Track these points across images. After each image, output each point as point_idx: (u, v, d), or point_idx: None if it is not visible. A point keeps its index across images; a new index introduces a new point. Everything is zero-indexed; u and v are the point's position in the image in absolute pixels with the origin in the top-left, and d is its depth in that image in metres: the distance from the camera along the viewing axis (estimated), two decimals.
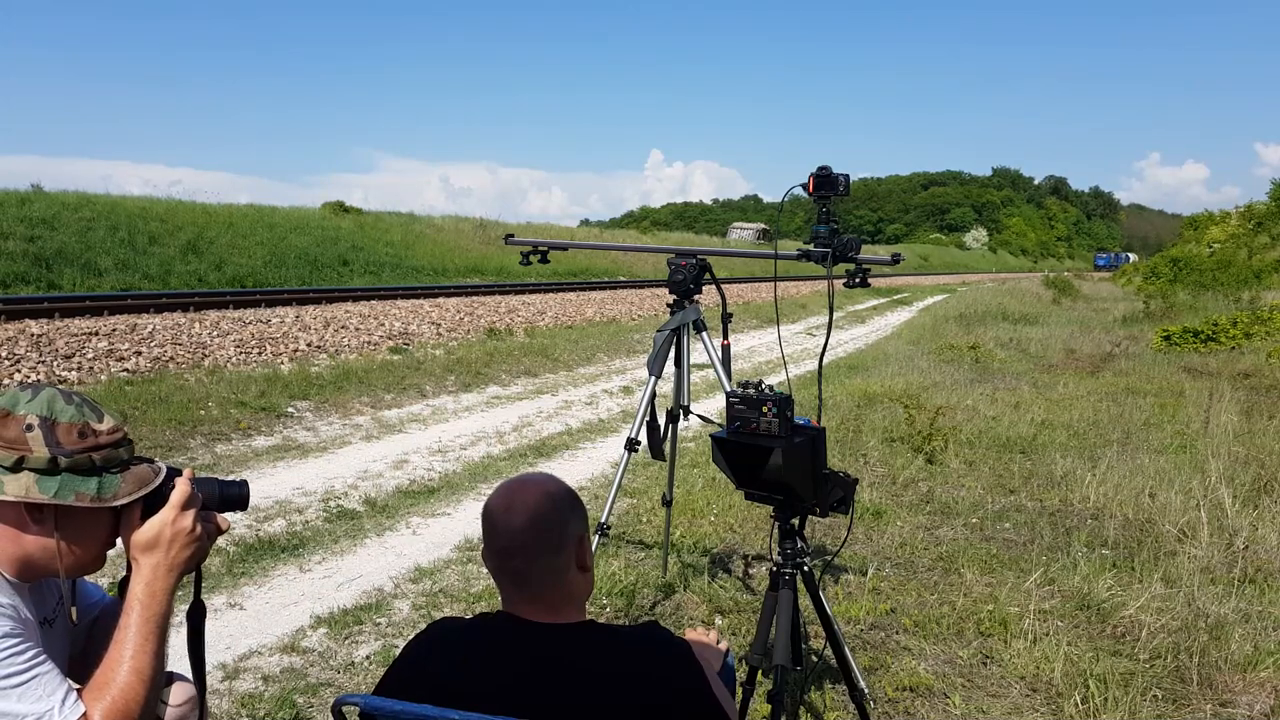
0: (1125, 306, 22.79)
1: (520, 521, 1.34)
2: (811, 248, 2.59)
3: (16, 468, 1.28)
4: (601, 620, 1.79)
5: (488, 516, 1.38)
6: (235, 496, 1.49)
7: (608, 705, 1.25)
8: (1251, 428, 6.71)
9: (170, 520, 1.36)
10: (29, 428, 1.29)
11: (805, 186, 2.50)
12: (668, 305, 3.40)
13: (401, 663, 1.37)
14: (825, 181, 2.49)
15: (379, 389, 8.42)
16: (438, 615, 3.59)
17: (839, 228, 2.61)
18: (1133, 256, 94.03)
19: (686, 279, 3.29)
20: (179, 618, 1.44)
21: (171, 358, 8.67)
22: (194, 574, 1.47)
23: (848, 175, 2.50)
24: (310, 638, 3.38)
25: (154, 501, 1.37)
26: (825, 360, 2.55)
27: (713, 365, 3.34)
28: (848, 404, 8.12)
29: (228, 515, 1.49)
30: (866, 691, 2.46)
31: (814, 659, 3.13)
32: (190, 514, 1.38)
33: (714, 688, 1.35)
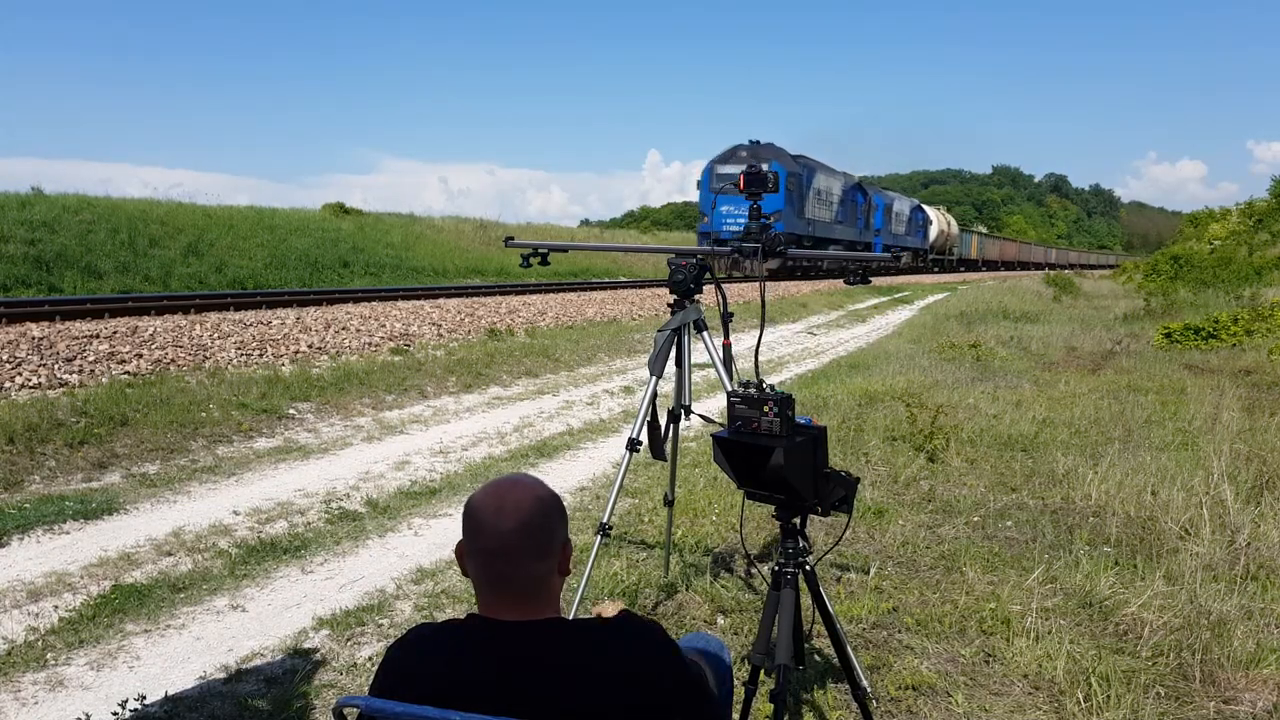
0: (1126, 304, 22.77)
1: (510, 524, 1.34)
2: (743, 245, 2.62)
3: None
4: None
5: (473, 515, 1.37)
6: None
7: (589, 701, 1.26)
8: (1253, 424, 6.71)
9: None
10: None
11: (736, 184, 2.53)
12: (668, 305, 3.40)
13: (384, 670, 1.37)
14: (755, 179, 2.51)
15: (380, 390, 8.42)
16: (440, 616, 3.60)
17: (769, 223, 2.64)
18: None
19: (687, 279, 3.29)
20: None
21: (173, 360, 8.66)
22: None
23: (779, 174, 2.54)
24: (312, 639, 3.38)
25: None
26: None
27: (714, 365, 3.35)
28: (849, 403, 8.11)
29: None
30: (869, 690, 2.46)
31: (816, 658, 3.13)
32: None
33: (686, 661, 1.42)
